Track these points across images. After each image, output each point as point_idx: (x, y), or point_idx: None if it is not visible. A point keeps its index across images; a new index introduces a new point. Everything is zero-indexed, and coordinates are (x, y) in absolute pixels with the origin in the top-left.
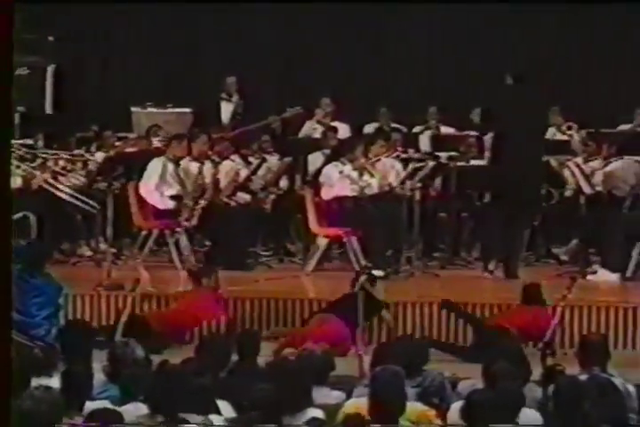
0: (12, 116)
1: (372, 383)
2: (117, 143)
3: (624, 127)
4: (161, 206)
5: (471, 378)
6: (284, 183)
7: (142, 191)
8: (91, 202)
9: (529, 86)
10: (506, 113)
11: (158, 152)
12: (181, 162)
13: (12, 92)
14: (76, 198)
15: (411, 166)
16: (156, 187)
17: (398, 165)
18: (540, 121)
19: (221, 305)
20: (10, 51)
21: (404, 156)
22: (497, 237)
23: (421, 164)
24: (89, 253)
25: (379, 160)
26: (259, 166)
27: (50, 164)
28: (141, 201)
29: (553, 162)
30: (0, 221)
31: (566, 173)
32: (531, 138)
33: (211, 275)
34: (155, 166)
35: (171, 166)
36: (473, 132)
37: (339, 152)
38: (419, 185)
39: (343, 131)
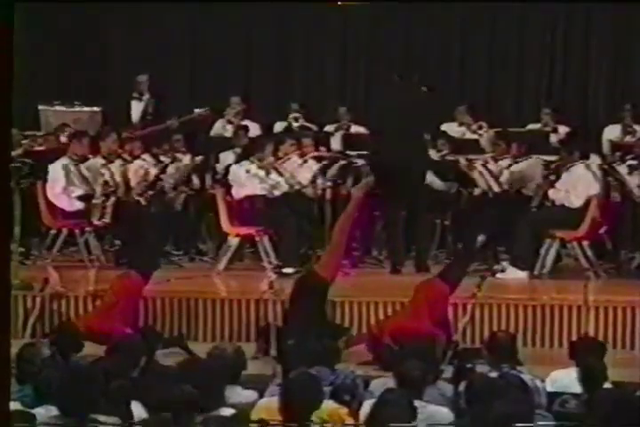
0: (12, 117)
1: (288, 388)
2: (24, 141)
3: (532, 126)
4: (70, 209)
5: (383, 376)
6: (195, 182)
7: (50, 196)
8: None
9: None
10: (389, 111)
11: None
12: (89, 160)
13: (11, 94)
14: None
15: (321, 165)
16: (62, 190)
17: (309, 164)
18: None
19: None
20: (10, 51)
21: (315, 155)
22: (402, 235)
23: (332, 162)
24: None
25: (288, 159)
26: (167, 165)
27: None
28: (50, 201)
29: (462, 161)
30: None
31: (475, 172)
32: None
33: None
34: (58, 169)
35: (74, 166)
36: None
37: (249, 151)
38: (329, 184)
39: (253, 129)
